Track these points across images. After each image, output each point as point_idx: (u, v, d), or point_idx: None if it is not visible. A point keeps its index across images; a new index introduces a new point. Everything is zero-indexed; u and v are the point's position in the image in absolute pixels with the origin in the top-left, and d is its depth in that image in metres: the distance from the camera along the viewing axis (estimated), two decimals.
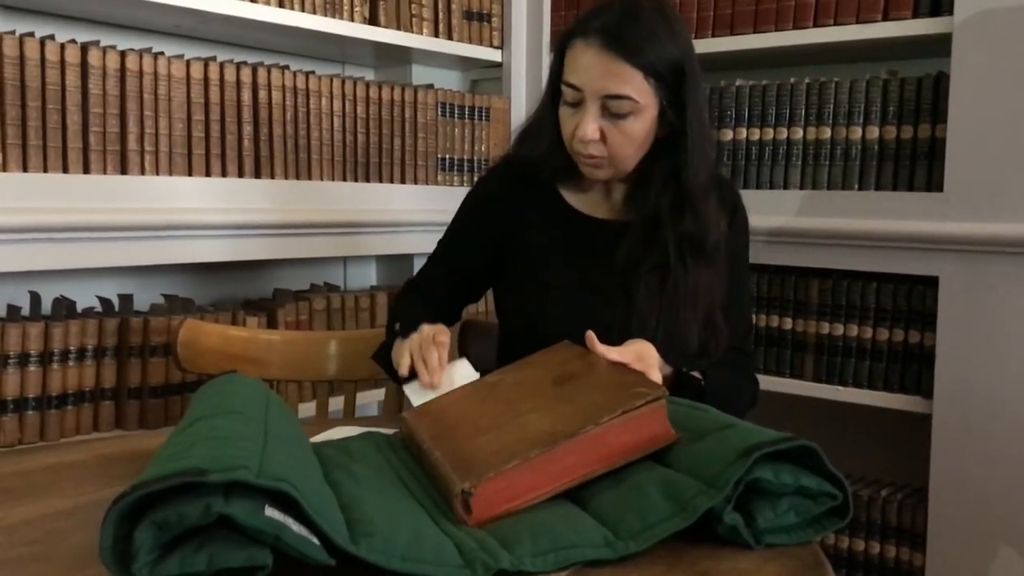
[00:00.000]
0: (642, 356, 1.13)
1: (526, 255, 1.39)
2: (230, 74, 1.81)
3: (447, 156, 2.25)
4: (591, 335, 1.09)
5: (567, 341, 1.13)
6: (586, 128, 1.25)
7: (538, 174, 1.39)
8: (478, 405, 1.04)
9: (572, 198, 1.40)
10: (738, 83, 2.07)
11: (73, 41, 1.60)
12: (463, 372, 1.19)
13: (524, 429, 0.90)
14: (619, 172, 1.32)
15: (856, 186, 1.92)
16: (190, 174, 1.75)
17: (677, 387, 1.24)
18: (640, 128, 1.27)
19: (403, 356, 1.22)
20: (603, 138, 1.26)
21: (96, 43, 1.63)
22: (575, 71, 1.26)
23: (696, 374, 1.26)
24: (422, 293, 1.49)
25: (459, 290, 1.50)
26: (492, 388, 1.08)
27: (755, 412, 1.37)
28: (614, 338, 1.14)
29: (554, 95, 1.32)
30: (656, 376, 1.12)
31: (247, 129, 1.84)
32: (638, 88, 1.24)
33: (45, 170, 1.56)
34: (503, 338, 1.46)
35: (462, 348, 1.67)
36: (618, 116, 1.25)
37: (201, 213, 1.74)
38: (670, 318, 1.30)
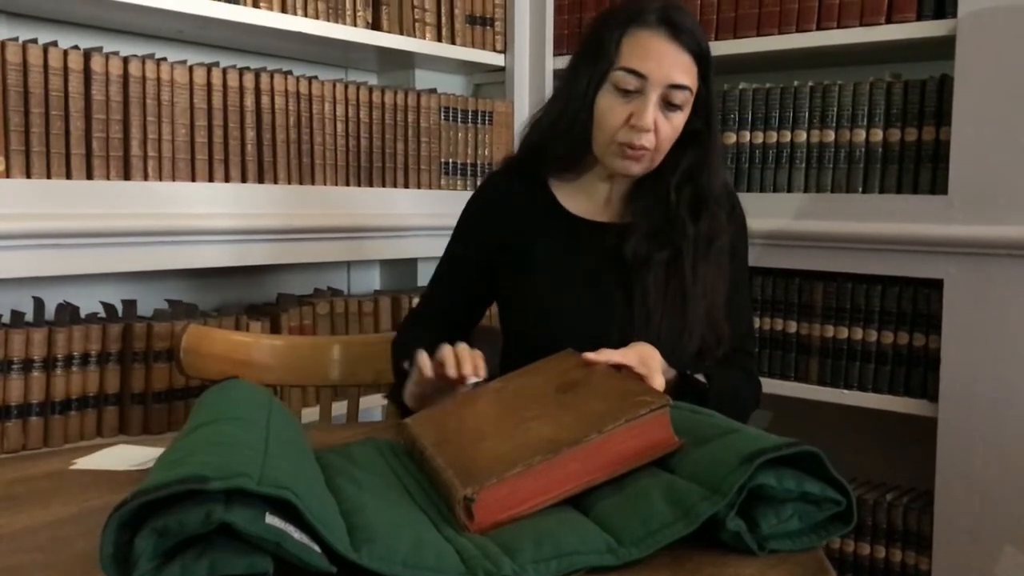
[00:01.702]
0: (644, 359, 1.12)
1: (525, 265, 1.37)
2: (233, 79, 1.81)
3: (450, 160, 2.25)
4: (588, 355, 1.06)
5: (570, 349, 1.12)
6: (647, 117, 1.25)
7: (536, 173, 1.38)
8: (481, 412, 1.03)
9: (568, 201, 1.39)
10: (741, 86, 2.06)
11: (76, 47, 1.61)
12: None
13: (527, 436, 0.89)
14: (652, 166, 1.32)
15: (860, 189, 1.92)
16: (193, 179, 1.75)
17: (681, 389, 1.23)
18: (683, 121, 1.29)
19: (424, 359, 1.16)
20: (655, 129, 1.27)
21: (99, 49, 1.63)
22: (640, 58, 1.25)
23: (700, 377, 1.26)
24: (425, 320, 1.46)
25: (463, 310, 1.46)
26: (495, 395, 1.08)
27: (760, 415, 1.36)
28: (615, 343, 1.13)
29: (597, 84, 1.28)
30: (659, 379, 1.11)
31: (250, 134, 1.84)
32: (693, 79, 1.27)
33: (48, 176, 1.56)
34: (507, 345, 1.45)
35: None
36: (672, 107, 1.26)
37: (204, 218, 1.74)
38: (674, 317, 1.29)
